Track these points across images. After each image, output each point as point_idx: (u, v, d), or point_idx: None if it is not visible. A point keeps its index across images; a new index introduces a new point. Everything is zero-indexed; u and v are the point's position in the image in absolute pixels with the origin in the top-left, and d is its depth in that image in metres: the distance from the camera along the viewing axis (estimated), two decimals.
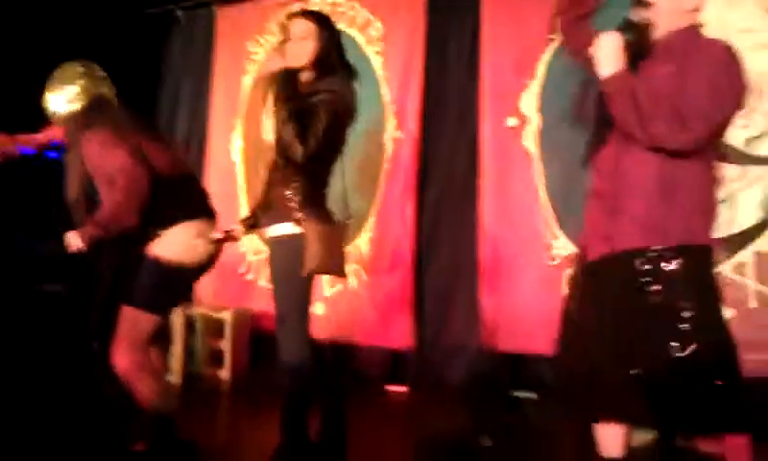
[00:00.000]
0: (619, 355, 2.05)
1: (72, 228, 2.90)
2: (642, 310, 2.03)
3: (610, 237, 2.10)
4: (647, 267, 2.04)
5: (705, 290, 2.07)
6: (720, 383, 2.00)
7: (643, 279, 2.04)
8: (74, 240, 2.85)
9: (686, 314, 2.00)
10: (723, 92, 2.00)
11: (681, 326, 2.00)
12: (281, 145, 2.98)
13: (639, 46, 2.15)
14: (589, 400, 2.13)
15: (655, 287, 2.02)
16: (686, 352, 1.97)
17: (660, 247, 2.04)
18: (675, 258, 2.03)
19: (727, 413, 2.03)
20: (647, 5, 2.13)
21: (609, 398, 2.10)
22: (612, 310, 2.08)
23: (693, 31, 2.17)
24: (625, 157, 2.13)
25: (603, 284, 2.11)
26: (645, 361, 2.01)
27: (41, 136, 3.43)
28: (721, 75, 2.01)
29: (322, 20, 3.04)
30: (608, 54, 2.05)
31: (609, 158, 2.17)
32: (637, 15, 2.09)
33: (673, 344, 1.99)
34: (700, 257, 2.08)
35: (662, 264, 2.02)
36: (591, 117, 2.28)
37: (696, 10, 2.20)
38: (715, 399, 2.00)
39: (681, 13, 2.17)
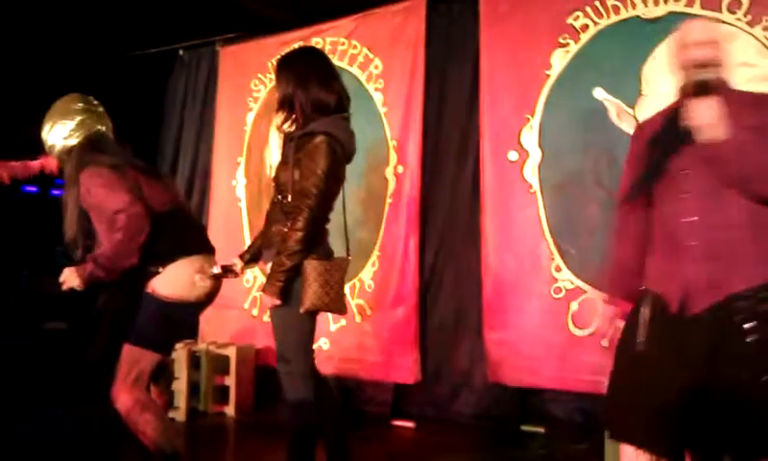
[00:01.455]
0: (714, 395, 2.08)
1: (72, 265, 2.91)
2: (741, 349, 2.07)
3: (717, 285, 2.11)
4: (744, 305, 2.09)
5: None
6: None
7: (740, 318, 2.08)
8: (71, 278, 2.85)
9: None
10: None
11: None
12: (280, 184, 3.01)
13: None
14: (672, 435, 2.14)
15: (750, 325, 2.07)
16: None
17: (756, 286, 2.10)
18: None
19: None
20: (716, 65, 2.17)
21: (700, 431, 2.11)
22: (715, 355, 2.10)
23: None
24: (715, 205, 2.14)
25: (711, 331, 2.11)
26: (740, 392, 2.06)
27: (36, 164, 3.44)
28: None
29: (278, 66, 3.09)
30: (712, 118, 2.08)
31: (692, 209, 2.17)
32: (704, 74, 2.13)
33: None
34: None
35: (759, 303, 2.09)
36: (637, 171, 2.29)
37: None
38: None
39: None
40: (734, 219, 2.14)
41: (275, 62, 3.19)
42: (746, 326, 2.07)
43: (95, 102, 3.21)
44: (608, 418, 2.30)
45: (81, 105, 3.14)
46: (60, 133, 3.08)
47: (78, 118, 3.09)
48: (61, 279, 2.87)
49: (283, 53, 3.18)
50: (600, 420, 2.35)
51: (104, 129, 3.15)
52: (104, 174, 2.91)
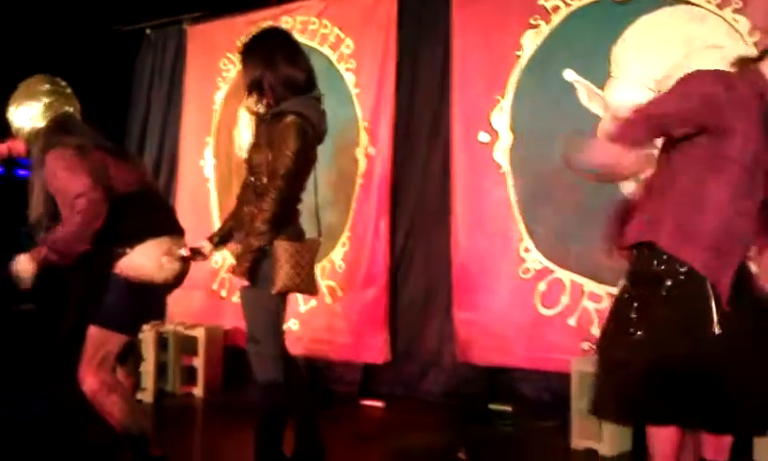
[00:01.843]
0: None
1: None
2: None
3: (748, 281, 2.25)
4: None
5: None
6: None
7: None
8: (24, 267, 2.82)
9: None
10: None
11: None
12: (253, 165, 3.00)
13: None
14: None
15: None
16: None
17: None
18: None
19: None
20: None
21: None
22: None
23: None
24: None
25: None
26: None
27: (3, 147, 3.39)
28: None
29: (244, 51, 3.08)
30: None
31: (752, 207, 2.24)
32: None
33: None
34: None
35: None
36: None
37: None
38: None
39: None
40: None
41: (241, 46, 3.15)
42: None
43: (63, 83, 3.16)
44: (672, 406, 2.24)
45: (48, 86, 3.09)
46: (26, 114, 3.04)
47: (45, 100, 3.05)
48: (15, 269, 2.82)
49: (246, 39, 3.14)
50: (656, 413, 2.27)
51: (71, 110, 3.11)
52: (67, 156, 2.86)
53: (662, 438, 2.24)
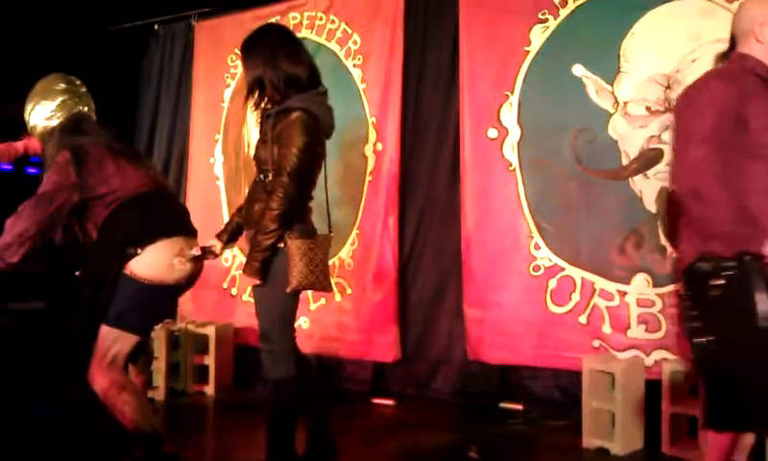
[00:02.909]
0: None
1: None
2: None
3: None
4: None
5: None
6: None
7: None
8: None
9: None
10: None
11: None
12: (260, 162, 2.99)
13: None
14: None
15: None
16: None
17: None
18: None
19: None
20: None
21: None
22: None
23: None
24: None
25: None
26: None
27: (20, 145, 3.41)
28: None
29: (243, 49, 3.06)
30: None
31: None
32: None
33: None
34: None
35: None
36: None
37: None
38: None
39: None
40: None
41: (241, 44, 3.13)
42: None
43: (78, 82, 3.17)
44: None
45: (62, 85, 3.10)
46: (41, 113, 3.05)
47: (59, 99, 3.06)
48: None
49: (246, 36, 3.11)
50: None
51: (85, 109, 3.12)
52: (63, 160, 2.86)
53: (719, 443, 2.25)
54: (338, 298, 5.04)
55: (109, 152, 2.94)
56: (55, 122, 3.03)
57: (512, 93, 4.53)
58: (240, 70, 5.64)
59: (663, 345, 3.92)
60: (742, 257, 2.21)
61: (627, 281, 4.09)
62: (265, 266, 2.86)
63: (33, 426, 3.85)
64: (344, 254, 5.07)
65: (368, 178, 5.02)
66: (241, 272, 3.49)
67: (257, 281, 2.88)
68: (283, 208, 2.83)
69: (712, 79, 2.35)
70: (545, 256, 4.35)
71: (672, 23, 4.01)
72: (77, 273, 3.04)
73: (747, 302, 2.20)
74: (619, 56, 4.18)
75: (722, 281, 2.22)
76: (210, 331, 5.09)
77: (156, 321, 3.35)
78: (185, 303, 5.08)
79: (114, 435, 3.00)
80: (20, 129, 3.28)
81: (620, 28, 4.18)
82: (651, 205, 4.03)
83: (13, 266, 2.78)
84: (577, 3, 4.35)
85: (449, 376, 4.74)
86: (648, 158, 4.05)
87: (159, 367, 4.83)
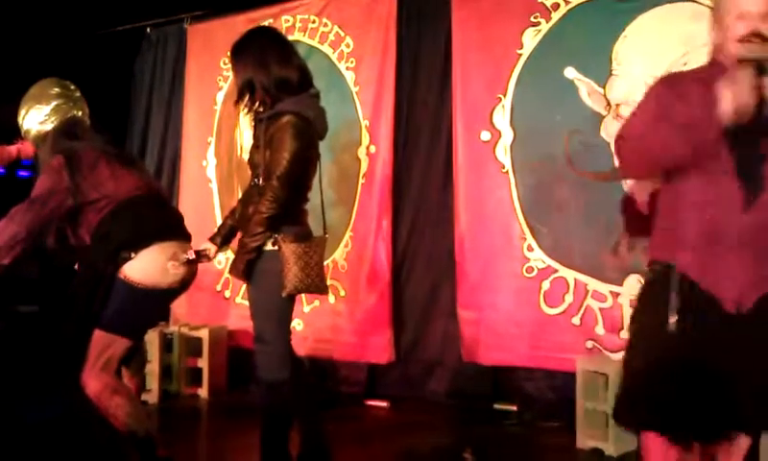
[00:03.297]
0: None
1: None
2: None
3: (764, 278, 2.11)
4: None
5: None
6: None
7: None
8: None
9: None
10: None
11: None
12: (254, 166, 3.00)
13: None
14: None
15: None
16: None
17: None
18: None
19: None
20: None
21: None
22: None
23: None
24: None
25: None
26: None
27: (13, 149, 3.40)
28: None
29: (233, 53, 3.06)
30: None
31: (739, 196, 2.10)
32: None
33: None
34: None
35: None
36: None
37: None
38: None
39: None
40: None
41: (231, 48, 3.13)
42: None
43: (72, 86, 3.16)
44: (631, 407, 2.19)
45: (57, 89, 3.09)
46: (35, 117, 3.04)
47: (53, 103, 3.05)
48: None
49: (236, 40, 3.11)
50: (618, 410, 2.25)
51: (80, 114, 3.11)
52: (55, 164, 2.86)
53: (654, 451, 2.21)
54: (332, 300, 5.05)
55: (103, 156, 2.94)
56: (49, 126, 3.02)
57: (504, 96, 4.54)
58: (232, 72, 5.64)
59: None
60: (652, 265, 2.24)
61: (620, 282, 4.11)
62: (250, 267, 2.87)
63: (26, 431, 3.83)
64: (337, 256, 5.07)
65: (361, 180, 5.03)
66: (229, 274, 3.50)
67: (242, 282, 2.90)
68: (272, 212, 2.84)
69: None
70: (539, 258, 4.37)
71: (664, 26, 4.03)
72: (76, 267, 3.04)
73: (644, 309, 2.23)
74: (611, 59, 4.20)
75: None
76: (204, 334, 5.09)
77: (150, 325, 3.35)
78: (179, 305, 5.06)
79: (108, 439, 3.00)
80: (13, 133, 3.28)
81: (612, 31, 4.20)
82: None
83: (3, 269, 2.77)
84: (569, 6, 4.37)
85: (443, 378, 4.75)
86: None
87: (153, 370, 4.82)
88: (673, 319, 2.09)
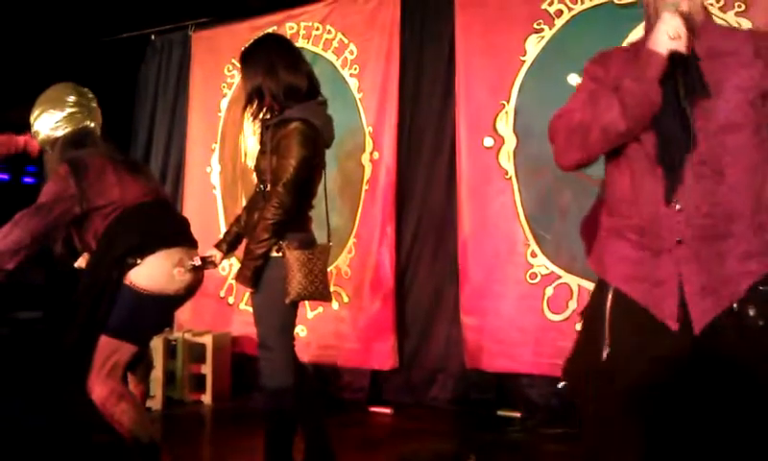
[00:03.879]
0: None
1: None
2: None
3: (714, 290, 1.77)
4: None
5: None
6: None
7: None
8: None
9: None
10: None
11: None
12: (260, 172, 3.00)
13: None
14: None
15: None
16: None
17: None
18: None
19: None
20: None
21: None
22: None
23: None
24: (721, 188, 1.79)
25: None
26: None
27: (21, 139, 3.40)
28: None
29: (243, 59, 3.07)
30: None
31: (705, 193, 1.79)
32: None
33: None
34: None
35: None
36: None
37: None
38: None
39: None
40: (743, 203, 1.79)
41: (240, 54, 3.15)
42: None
43: (90, 95, 3.16)
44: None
45: (73, 97, 3.09)
46: (47, 122, 3.05)
47: (68, 110, 3.05)
48: None
49: (245, 46, 3.13)
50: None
51: (92, 125, 3.11)
52: (62, 172, 2.87)
53: None
54: (335, 306, 5.05)
55: (110, 162, 2.95)
56: (60, 133, 3.03)
57: (508, 102, 4.55)
58: (237, 80, 5.67)
59: None
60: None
61: None
62: (257, 274, 2.88)
63: (29, 436, 3.84)
64: (341, 263, 5.08)
65: (364, 186, 5.04)
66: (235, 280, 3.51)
67: (249, 290, 2.90)
68: (277, 218, 2.84)
69: None
70: (542, 264, 4.37)
71: None
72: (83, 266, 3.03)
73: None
74: None
75: None
76: (207, 340, 5.09)
77: (156, 331, 3.36)
78: (182, 311, 5.05)
79: (112, 445, 3.01)
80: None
81: (615, 38, 4.18)
82: None
83: (7, 274, 2.78)
84: (572, 13, 4.38)
85: (447, 384, 4.75)
86: None
87: (156, 376, 4.81)
88: (606, 347, 1.89)
